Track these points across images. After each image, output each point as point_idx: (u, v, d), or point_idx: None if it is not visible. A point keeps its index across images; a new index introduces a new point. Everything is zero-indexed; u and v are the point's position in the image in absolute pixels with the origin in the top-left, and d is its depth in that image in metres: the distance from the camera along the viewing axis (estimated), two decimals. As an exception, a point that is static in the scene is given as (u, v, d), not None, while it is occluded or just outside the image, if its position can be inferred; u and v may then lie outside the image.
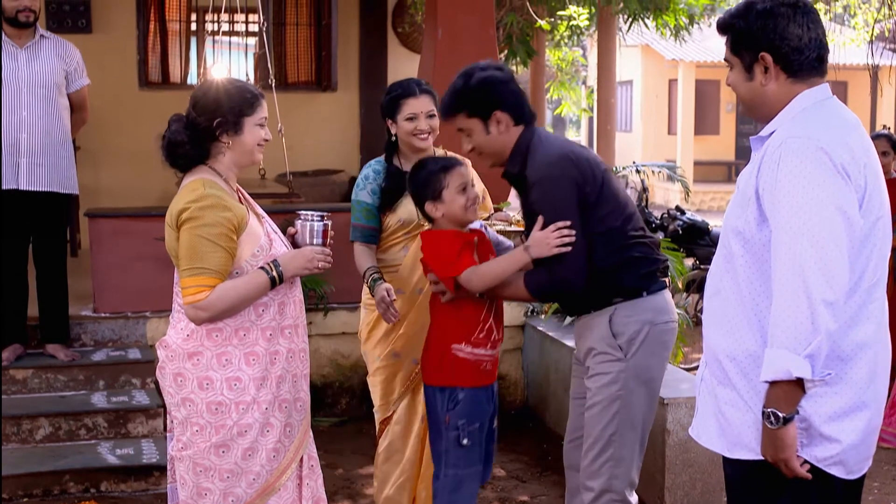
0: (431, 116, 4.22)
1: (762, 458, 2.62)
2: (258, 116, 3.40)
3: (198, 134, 3.37)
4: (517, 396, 6.48)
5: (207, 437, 3.33)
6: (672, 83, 24.31)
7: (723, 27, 2.75)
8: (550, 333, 6.07)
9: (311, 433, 3.59)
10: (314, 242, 3.47)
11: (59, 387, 5.69)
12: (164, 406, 5.48)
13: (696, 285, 8.97)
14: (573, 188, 3.39)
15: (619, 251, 3.49)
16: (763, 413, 2.56)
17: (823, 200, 2.49)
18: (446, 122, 3.61)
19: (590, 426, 3.58)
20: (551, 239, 3.39)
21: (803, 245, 2.48)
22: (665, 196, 21.24)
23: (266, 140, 3.45)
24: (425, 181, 3.66)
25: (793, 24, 2.64)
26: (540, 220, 3.43)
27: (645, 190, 9.47)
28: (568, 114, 19.33)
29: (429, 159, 3.84)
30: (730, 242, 2.72)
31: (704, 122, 24.33)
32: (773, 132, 2.67)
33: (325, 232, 3.49)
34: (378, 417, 4.39)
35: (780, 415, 2.51)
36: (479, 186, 4.43)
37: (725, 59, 2.79)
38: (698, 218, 10.06)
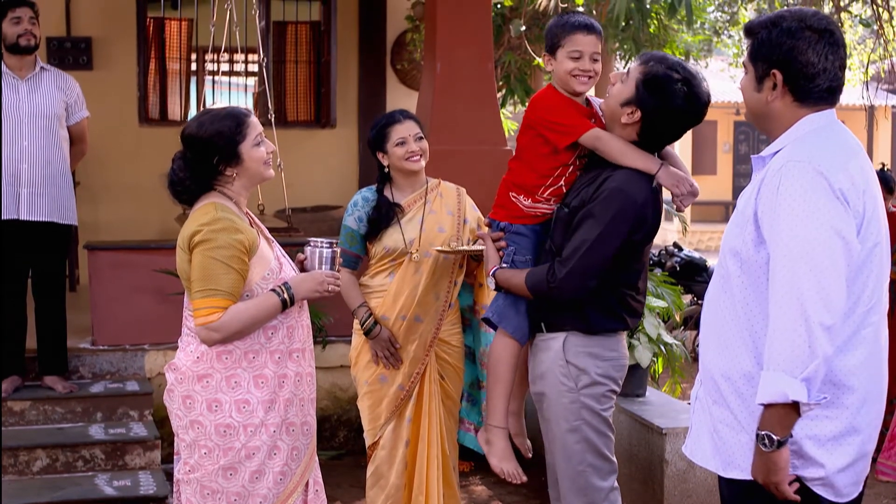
0: (420, 139, 4.32)
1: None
2: (252, 137, 3.41)
3: (198, 171, 3.40)
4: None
5: (215, 459, 3.34)
6: (669, 123, 24.38)
7: (748, 31, 2.76)
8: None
9: (316, 458, 3.60)
10: (323, 268, 3.52)
11: (57, 419, 5.68)
12: (161, 438, 5.51)
13: (693, 321, 8.98)
14: (632, 220, 3.38)
15: (610, 300, 3.50)
16: (757, 436, 2.55)
17: (822, 224, 2.50)
18: (635, 61, 3.48)
19: (557, 459, 3.57)
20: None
21: (801, 268, 2.49)
22: (663, 236, 21.28)
23: (270, 153, 3.47)
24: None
25: (811, 51, 2.65)
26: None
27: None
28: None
29: None
30: (727, 263, 2.73)
31: (702, 163, 24.41)
32: (774, 153, 2.69)
33: (333, 258, 3.55)
34: (367, 442, 4.43)
35: (775, 438, 2.51)
36: (473, 215, 4.47)
37: (743, 63, 2.81)
38: (696, 255, 10.09)
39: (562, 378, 3.49)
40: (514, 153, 3.79)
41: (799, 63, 2.66)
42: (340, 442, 6.44)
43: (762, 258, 2.63)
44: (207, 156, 3.37)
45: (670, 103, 3.35)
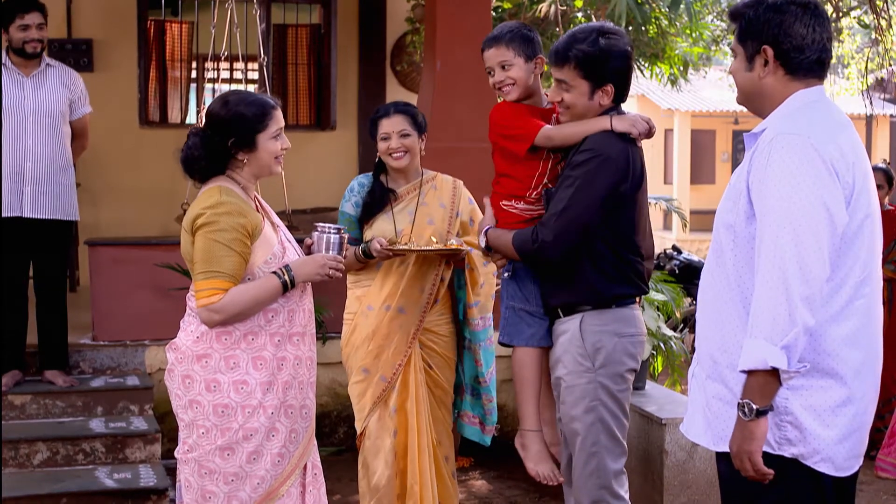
0: (405, 136, 4.32)
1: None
2: (272, 129, 3.44)
3: (213, 150, 3.42)
4: (514, 425, 6.46)
5: (213, 439, 3.36)
6: (668, 133, 24.49)
7: (734, 15, 2.82)
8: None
9: (315, 441, 3.61)
10: (330, 253, 3.53)
11: (58, 412, 5.69)
12: (162, 433, 5.52)
13: (692, 322, 8.99)
14: (614, 175, 3.44)
15: (613, 262, 3.51)
16: (738, 404, 2.58)
17: (809, 195, 2.54)
18: (555, 68, 3.52)
19: (571, 441, 3.58)
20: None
21: (785, 237, 2.53)
22: (661, 245, 21.29)
23: (285, 149, 3.49)
24: None
25: (798, 23, 2.71)
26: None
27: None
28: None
29: None
30: (720, 237, 2.77)
31: (700, 172, 24.48)
32: (765, 129, 2.73)
33: (341, 244, 3.56)
34: (358, 431, 4.45)
35: (755, 406, 2.54)
36: (466, 208, 4.49)
37: (731, 48, 2.86)
38: (694, 258, 10.11)
39: (579, 359, 3.50)
40: None
41: (788, 36, 2.72)
42: (340, 438, 6.45)
43: (754, 231, 2.66)
44: (224, 136, 3.40)
45: (617, 54, 3.46)
